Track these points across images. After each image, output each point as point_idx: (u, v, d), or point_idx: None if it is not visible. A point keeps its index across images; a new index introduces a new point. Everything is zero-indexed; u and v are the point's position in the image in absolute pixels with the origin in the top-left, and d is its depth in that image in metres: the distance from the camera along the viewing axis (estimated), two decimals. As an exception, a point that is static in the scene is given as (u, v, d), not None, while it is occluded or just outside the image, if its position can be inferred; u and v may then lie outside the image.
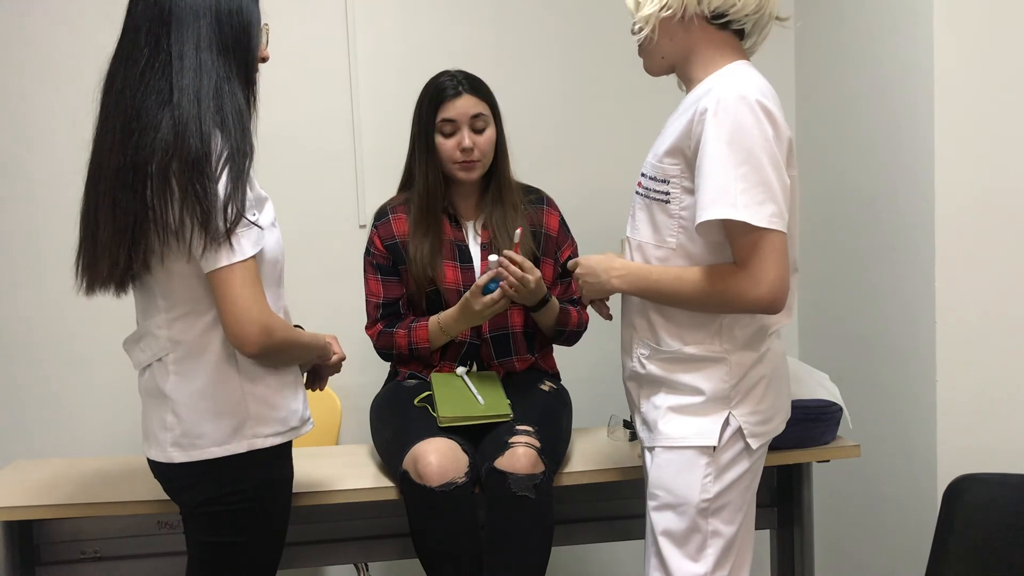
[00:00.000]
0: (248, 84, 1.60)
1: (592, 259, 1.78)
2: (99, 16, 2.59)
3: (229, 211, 1.47)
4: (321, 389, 1.93)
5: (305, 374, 1.84)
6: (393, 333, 2.20)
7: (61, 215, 2.63)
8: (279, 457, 1.67)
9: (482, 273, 2.09)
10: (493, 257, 2.06)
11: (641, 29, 1.68)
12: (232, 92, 1.54)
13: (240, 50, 1.58)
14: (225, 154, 1.49)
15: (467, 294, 2.08)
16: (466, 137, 2.13)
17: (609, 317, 1.90)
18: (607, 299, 1.88)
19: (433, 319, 2.16)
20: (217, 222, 1.46)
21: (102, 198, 1.54)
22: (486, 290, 2.06)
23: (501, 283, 2.05)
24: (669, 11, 1.63)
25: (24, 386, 2.68)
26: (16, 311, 2.66)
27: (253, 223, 1.52)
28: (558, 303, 2.20)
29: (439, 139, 2.14)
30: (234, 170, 1.49)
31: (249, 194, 1.52)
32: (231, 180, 1.48)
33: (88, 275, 1.60)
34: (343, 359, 1.90)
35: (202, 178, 1.46)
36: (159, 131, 1.48)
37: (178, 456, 1.59)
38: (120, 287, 1.60)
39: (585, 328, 2.28)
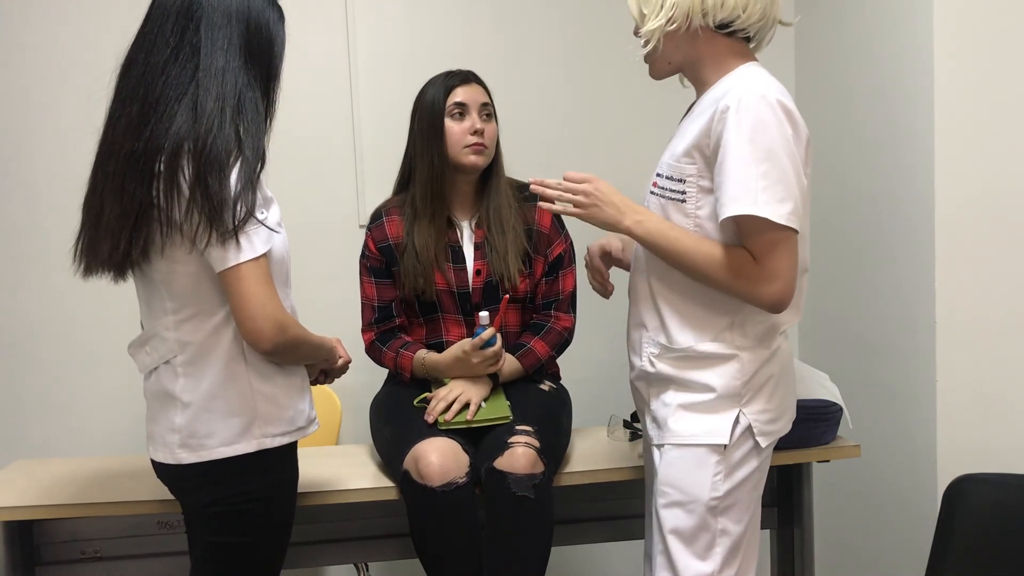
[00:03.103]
0: (266, 97, 1.61)
1: (612, 191, 1.69)
2: (101, 15, 2.60)
3: (239, 209, 1.48)
4: (329, 383, 1.94)
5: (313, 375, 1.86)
6: (383, 352, 2.21)
7: (64, 215, 2.62)
8: (285, 458, 1.67)
9: (476, 326, 2.11)
10: (484, 313, 2.09)
11: (647, 43, 1.68)
12: (253, 99, 1.55)
13: (263, 64, 1.59)
14: (239, 155, 1.49)
15: (467, 348, 2.07)
16: (478, 121, 2.13)
17: (608, 295, 1.86)
18: (607, 275, 1.85)
19: (419, 356, 2.16)
20: (226, 219, 1.47)
21: (110, 180, 1.54)
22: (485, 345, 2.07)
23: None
24: (674, 25, 1.64)
25: (25, 386, 2.68)
26: (17, 311, 2.66)
27: (261, 222, 1.52)
28: (508, 361, 2.17)
29: (448, 123, 2.14)
30: (246, 171, 1.49)
31: (258, 195, 1.53)
32: (242, 180, 1.49)
33: (87, 257, 1.60)
34: (349, 362, 1.91)
35: (214, 175, 1.46)
36: (173, 124, 1.48)
37: (186, 457, 1.59)
38: (119, 273, 1.60)
39: (570, 336, 2.26)
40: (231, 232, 1.47)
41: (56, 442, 2.67)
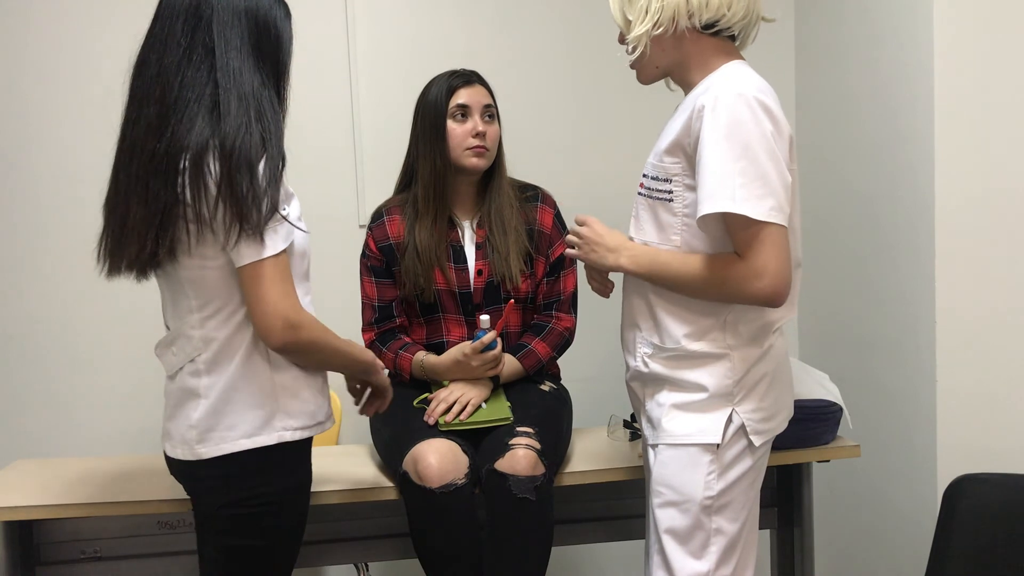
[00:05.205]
0: (277, 95, 1.61)
1: (605, 231, 1.76)
2: (102, 15, 2.60)
3: (265, 205, 1.49)
4: (380, 410, 1.90)
5: (362, 398, 1.87)
6: (382, 352, 2.21)
7: (66, 215, 2.65)
8: (300, 460, 1.68)
9: (478, 328, 2.11)
10: (485, 316, 2.09)
11: (635, 48, 1.68)
12: (270, 98, 1.56)
13: (272, 62, 1.60)
14: (263, 152, 1.50)
15: (467, 351, 2.08)
16: (480, 123, 2.14)
17: (608, 293, 1.87)
18: (606, 273, 1.87)
19: (417, 358, 2.17)
20: (253, 216, 1.48)
21: (134, 182, 1.54)
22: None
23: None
24: (660, 28, 1.64)
25: (25, 386, 2.68)
26: (18, 311, 2.66)
27: (285, 218, 1.53)
28: (508, 363, 2.17)
29: (451, 125, 2.14)
30: (271, 168, 1.50)
31: (280, 191, 1.54)
32: (267, 176, 1.50)
33: (112, 258, 1.60)
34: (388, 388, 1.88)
35: (243, 172, 1.47)
36: (195, 124, 1.49)
37: (206, 452, 1.60)
38: (142, 273, 1.61)
39: (571, 336, 2.26)
40: (256, 228, 1.49)
41: (56, 442, 2.67)
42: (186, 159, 1.49)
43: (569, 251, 1.82)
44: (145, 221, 1.53)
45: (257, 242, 1.50)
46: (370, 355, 1.80)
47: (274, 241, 1.51)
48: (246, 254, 1.50)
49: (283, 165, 1.55)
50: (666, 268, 1.66)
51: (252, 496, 1.60)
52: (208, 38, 1.53)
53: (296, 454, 1.65)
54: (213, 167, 1.48)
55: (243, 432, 1.58)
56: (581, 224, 1.78)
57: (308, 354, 1.61)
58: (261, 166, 1.49)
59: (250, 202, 1.47)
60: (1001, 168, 2.17)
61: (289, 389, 1.62)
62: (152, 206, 1.52)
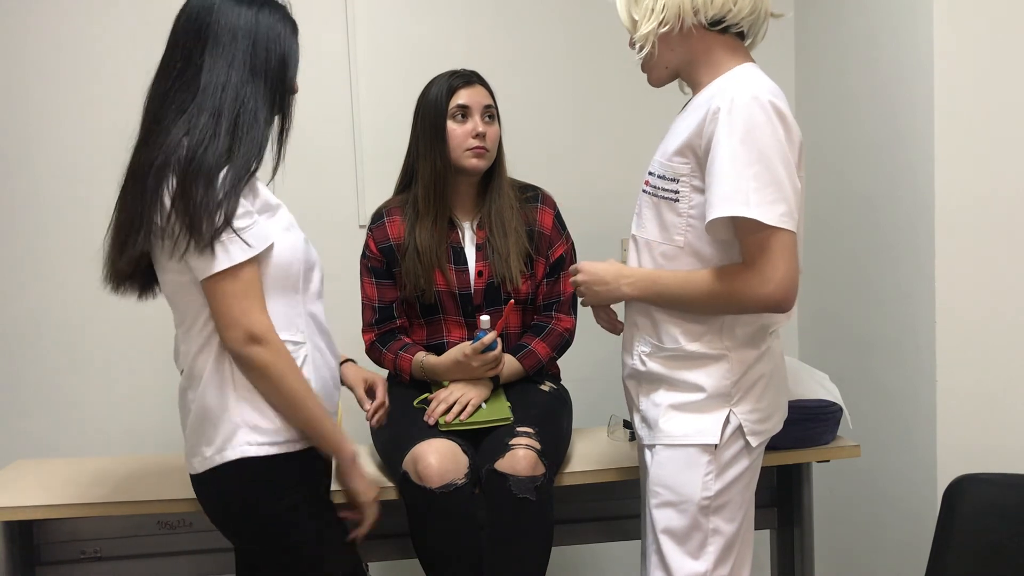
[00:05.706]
0: (278, 110, 1.62)
1: (598, 266, 1.77)
2: (104, 16, 2.60)
3: (217, 219, 1.48)
4: (359, 534, 1.75)
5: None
6: (383, 353, 2.21)
7: (67, 215, 2.65)
8: (289, 479, 1.62)
9: (478, 329, 2.11)
10: (485, 317, 2.09)
11: (642, 48, 1.68)
12: (254, 111, 1.56)
13: (272, 76, 1.60)
14: (225, 164, 1.50)
15: (467, 352, 2.07)
16: (480, 123, 2.13)
17: (618, 332, 1.88)
18: (613, 313, 1.88)
19: (417, 358, 2.17)
20: (203, 229, 1.47)
21: (121, 199, 1.58)
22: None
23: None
24: (667, 26, 1.64)
25: (25, 386, 2.68)
26: (19, 310, 2.66)
27: (236, 232, 1.50)
28: (508, 363, 2.17)
29: (451, 125, 2.13)
30: (230, 179, 1.50)
31: (244, 203, 1.52)
32: (224, 188, 1.49)
33: (109, 275, 1.63)
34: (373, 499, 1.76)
35: (198, 184, 1.47)
36: (167, 139, 1.51)
37: (199, 465, 1.61)
38: (143, 289, 1.64)
39: (571, 336, 2.26)
40: (207, 241, 1.48)
41: (57, 442, 2.67)
42: (150, 173, 1.50)
43: (581, 301, 1.87)
44: (120, 235, 1.56)
45: (208, 255, 1.49)
46: (344, 444, 1.68)
47: (228, 254, 1.50)
48: (200, 267, 1.50)
49: (250, 175, 1.54)
50: (667, 289, 1.67)
51: (245, 512, 1.60)
52: (200, 59, 1.55)
53: (278, 471, 1.60)
54: (171, 180, 1.49)
55: (217, 447, 1.58)
56: (575, 273, 1.82)
57: (261, 376, 1.55)
58: (221, 177, 1.49)
59: (201, 213, 1.47)
60: (1001, 168, 2.17)
61: (250, 402, 1.58)
62: (124, 220, 1.55)
